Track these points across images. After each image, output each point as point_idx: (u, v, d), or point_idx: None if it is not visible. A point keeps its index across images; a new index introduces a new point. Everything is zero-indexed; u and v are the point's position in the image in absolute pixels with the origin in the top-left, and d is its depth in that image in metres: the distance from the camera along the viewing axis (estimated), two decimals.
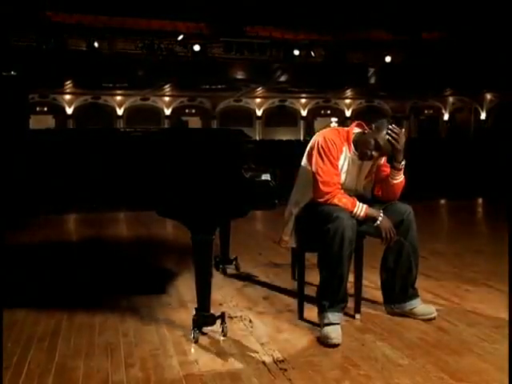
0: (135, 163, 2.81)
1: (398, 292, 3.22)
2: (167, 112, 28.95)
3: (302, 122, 30.48)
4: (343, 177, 3.17)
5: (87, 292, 3.84)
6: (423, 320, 3.16)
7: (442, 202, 9.96)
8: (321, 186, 3.06)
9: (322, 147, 3.11)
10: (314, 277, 3.32)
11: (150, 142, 2.85)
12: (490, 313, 3.30)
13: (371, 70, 27.50)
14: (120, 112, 28.37)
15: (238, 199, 2.73)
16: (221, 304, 3.52)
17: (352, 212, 3.01)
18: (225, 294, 3.76)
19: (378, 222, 3.02)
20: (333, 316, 2.91)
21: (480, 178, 11.55)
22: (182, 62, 24.96)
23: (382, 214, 3.05)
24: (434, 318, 3.17)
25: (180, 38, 23.88)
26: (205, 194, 2.73)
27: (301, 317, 3.23)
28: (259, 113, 29.86)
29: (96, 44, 22.55)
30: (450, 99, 31.35)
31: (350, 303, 3.19)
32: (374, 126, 3.10)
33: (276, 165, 5.95)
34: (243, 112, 29.57)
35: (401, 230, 3.11)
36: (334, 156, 3.10)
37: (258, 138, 28.20)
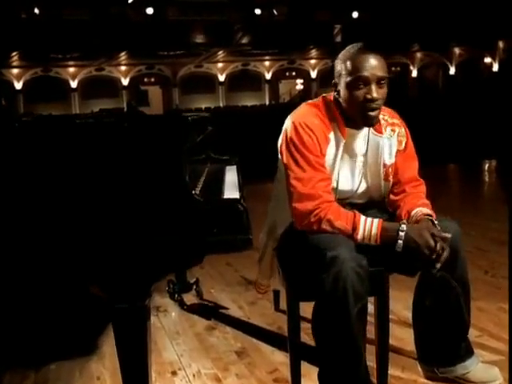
0: None
1: (443, 350, 2.11)
2: (125, 82, 27.84)
3: (266, 86, 29.63)
4: (339, 179, 2.02)
5: None
6: None
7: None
8: (297, 203, 1.89)
9: (293, 141, 1.93)
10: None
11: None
12: None
13: (337, 28, 26.36)
14: (74, 85, 27.06)
15: (180, 244, 1.55)
16: (174, 372, 2.37)
17: (354, 239, 1.85)
18: (181, 348, 2.60)
19: (400, 243, 1.81)
20: None
21: (454, 140, 10.57)
22: (136, 27, 23.54)
23: (404, 226, 1.84)
24: None
25: (130, 0, 22.28)
26: (118, 237, 1.55)
27: None
28: (222, 78, 28.80)
29: (36, 10, 20.69)
30: (418, 55, 30.57)
31: (369, 359, 2.05)
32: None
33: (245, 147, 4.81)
34: (205, 78, 28.62)
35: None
36: (315, 151, 1.92)
37: (221, 105, 27.15)
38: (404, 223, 1.86)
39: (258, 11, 24.93)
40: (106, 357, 2.51)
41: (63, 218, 1.59)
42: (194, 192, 1.64)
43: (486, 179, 8.57)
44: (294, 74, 29.70)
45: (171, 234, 1.56)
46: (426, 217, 1.95)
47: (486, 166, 9.15)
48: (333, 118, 1.99)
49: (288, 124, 1.99)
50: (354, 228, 1.85)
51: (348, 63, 1.92)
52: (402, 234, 1.82)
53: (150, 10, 23.36)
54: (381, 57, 1.94)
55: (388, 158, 2.07)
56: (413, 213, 2.00)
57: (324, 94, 2.08)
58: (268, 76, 29.50)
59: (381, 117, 2.04)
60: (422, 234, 1.82)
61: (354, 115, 1.96)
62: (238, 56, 27.85)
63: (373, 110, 1.91)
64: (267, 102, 27.96)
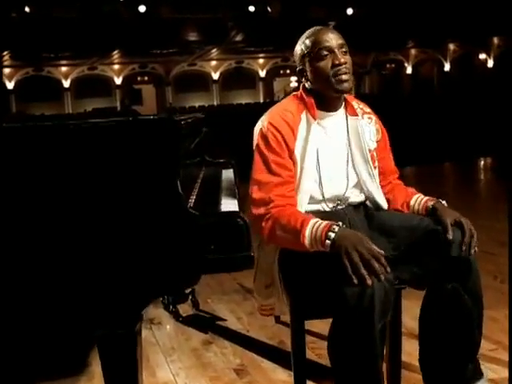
0: None
1: (450, 370, 1.92)
2: (118, 81, 27.61)
3: (260, 84, 29.42)
4: (320, 170, 1.88)
5: None
6: None
7: (409, 168, 8.58)
8: (252, 208, 1.80)
9: (258, 145, 1.87)
10: None
11: None
12: None
13: (331, 25, 26.22)
14: (66, 84, 26.80)
15: (174, 264, 1.39)
16: None
17: (302, 241, 1.67)
18: (176, 365, 2.44)
19: (327, 243, 1.63)
20: None
21: (449, 137, 10.40)
22: (128, 25, 23.31)
23: (336, 227, 1.65)
24: None
25: None
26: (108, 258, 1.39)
27: None
28: (215, 76, 28.59)
29: (27, 9, 20.45)
30: (413, 51, 30.50)
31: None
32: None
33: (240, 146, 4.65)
34: (199, 76, 28.40)
35: (454, 272, 1.82)
36: (280, 150, 1.83)
37: (215, 103, 27.00)
38: (338, 225, 1.67)
39: (251, 8, 24.72)
40: (96, 377, 2.35)
41: (46, 238, 1.43)
42: (188, 205, 1.48)
43: (483, 177, 8.45)
44: (288, 71, 29.48)
45: (164, 253, 1.40)
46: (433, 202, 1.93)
47: (482, 163, 9.02)
48: (302, 104, 1.92)
49: (257, 131, 1.91)
50: (303, 237, 1.67)
51: (308, 42, 1.92)
52: (328, 242, 1.63)
53: (142, 8, 23.11)
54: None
55: (371, 143, 2.00)
56: (412, 202, 1.98)
57: (294, 93, 2.03)
58: (262, 74, 29.32)
59: (356, 105, 2.01)
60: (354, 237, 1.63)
61: (326, 89, 1.89)
62: (232, 54, 27.66)
63: (344, 73, 1.86)
64: (262, 100, 27.80)
